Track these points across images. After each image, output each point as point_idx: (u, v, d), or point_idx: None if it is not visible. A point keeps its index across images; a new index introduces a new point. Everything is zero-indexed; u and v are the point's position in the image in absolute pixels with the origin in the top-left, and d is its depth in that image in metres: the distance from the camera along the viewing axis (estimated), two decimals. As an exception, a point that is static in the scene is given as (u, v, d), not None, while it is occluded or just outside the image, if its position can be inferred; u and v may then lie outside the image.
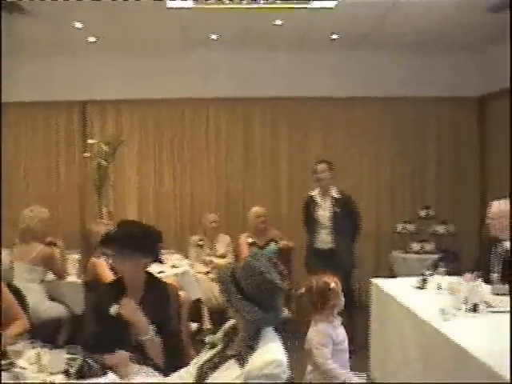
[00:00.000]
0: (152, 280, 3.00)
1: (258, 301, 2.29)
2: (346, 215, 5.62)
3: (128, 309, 2.82)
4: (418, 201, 7.68)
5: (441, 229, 7.26)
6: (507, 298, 3.98)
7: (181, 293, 3.35)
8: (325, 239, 5.66)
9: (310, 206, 5.78)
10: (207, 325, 5.98)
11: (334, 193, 5.72)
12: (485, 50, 7.41)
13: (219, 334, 2.47)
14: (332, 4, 5.68)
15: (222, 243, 6.81)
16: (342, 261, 5.46)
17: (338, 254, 5.51)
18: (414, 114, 7.76)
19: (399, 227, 7.42)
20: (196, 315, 5.88)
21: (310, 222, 5.79)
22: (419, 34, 6.81)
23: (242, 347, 2.31)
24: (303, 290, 3.05)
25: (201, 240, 6.80)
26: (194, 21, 6.22)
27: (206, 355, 2.43)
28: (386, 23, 6.36)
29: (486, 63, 7.53)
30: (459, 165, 7.77)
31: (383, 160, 7.80)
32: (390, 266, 7.35)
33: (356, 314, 5.50)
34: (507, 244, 4.30)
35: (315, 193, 5.77)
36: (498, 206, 4.57)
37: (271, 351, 2.27)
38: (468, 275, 4.50)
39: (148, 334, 2.76)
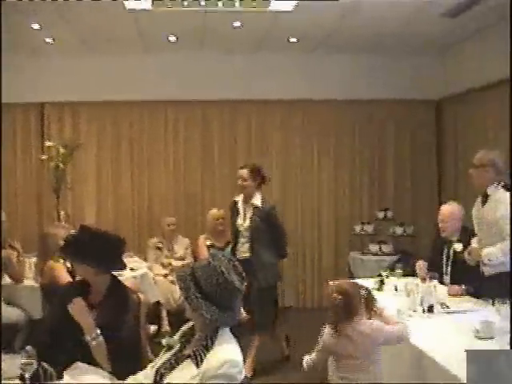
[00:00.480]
0: (115, 283, 2.98)
1: (217, 300, 2.30)
2: (267, 226, 5.22)
3: (76, 308, 2.81)
4: (376, 203, 7.78)
5: (399, 230, 7.38)
6: (463, 299, 4.10)
7: (139, 295, 3.33)
8: (243, 248, 5.26)
9: (233, 212, 5.44)
10: (166, 327, 5.98)
11: (257, 201, 5.28)
12: (444, 53, 7.54)
13: (176, 336, 2.47)
14: (290, 7, 5.69)
15: (181, 245, 6.83)
16: (257, 273, 5.05)
17: (254, 266, 5.04)
18: (372, 117, 7.85)
19: (357, 228, 7.50)
20: (155, 318, 5.88)
21: (233, 229, 5.45)
22: (378, 37, 6.90)
23: (198, 347, 2.32)
24: (338, 297, 3.01)
25: (159, 242, 6.80)
26: (152, 22, 6.16)
27: (162, 357, 2.43)
28: (345, 26, 6.40)
29: (444, 66, 7.67)
30: (417, 167, 7.89)
31: (342, 162, 7.85)
32: (348, 267, 7.43)
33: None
34: (458, 245, 4.38)
35: (239, 199, 5.41)
36: (448, 209, 4.68)
37: (227, 351, 2.28)
38: (421, 262, 4.60)
39: (91, 335, 2.74)
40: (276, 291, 5.49)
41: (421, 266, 4.57)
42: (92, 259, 2.86)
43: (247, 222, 5.26)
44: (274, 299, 5.38)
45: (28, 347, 2.44)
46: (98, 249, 2.88)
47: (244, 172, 5.32)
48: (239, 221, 5.30)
